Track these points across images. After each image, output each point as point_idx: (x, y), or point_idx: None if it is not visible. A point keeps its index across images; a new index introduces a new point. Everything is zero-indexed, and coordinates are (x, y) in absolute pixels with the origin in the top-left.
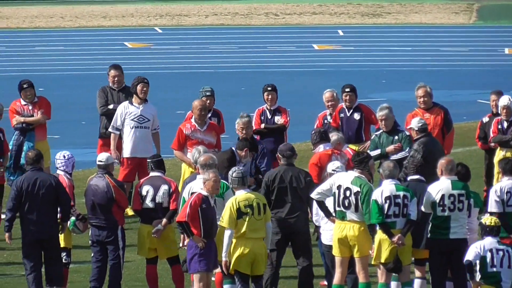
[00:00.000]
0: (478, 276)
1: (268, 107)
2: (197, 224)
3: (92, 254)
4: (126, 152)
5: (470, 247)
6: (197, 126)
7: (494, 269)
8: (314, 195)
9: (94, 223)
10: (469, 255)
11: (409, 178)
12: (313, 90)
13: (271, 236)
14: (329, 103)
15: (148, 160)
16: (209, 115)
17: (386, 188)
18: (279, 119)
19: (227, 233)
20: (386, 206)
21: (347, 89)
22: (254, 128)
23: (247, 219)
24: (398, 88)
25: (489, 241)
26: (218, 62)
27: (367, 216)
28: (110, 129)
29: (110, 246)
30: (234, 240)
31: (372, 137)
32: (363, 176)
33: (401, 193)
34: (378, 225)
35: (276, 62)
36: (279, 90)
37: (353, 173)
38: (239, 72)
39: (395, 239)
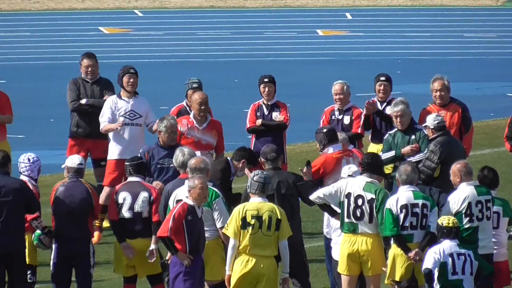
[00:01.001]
0: (436, 286)
1: (265, 102)
2: (182, 239)
3: (53, 272)
4: (114, 153)
5: (427, 253)
6: (195, 122)
7: (456, 277)
8: (314, 197)
9: (65, 235)
10: (428, 262)
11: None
12: (317, 82)
13: (288, 257)
14: (337, 97)
15: (126, 163)
16: None
17: (402, 196)
18: (277, 116)
19: (231, 243)
20: (402, 216)
21: (382, 78)
22: (248, 125)
23: (250, 231)
24: (415, 79)
25: (448, 245)
26: (207, 49)
27: (382, 227)
28: (102, 122)
29: (80, 263)
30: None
31: (385, 137)
32: (376, 181)
33: (420, 202)
34: (392, 238)
35: (274, 50)
36: (278, 82)
37: (364, 178)
38: (232, 62)
39: (411, 254)
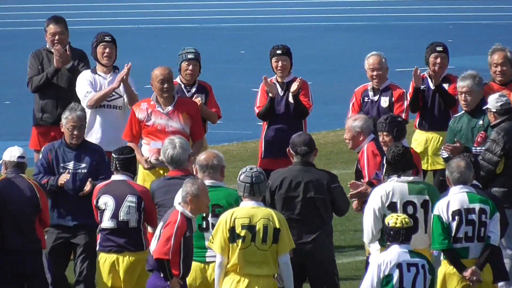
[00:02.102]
0: None
1: (279, 79)
2: (177, 260)
3: None
4: None
5: (370, 262)
6: (157, 106)
7: None
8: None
9: (7, 248)
10: (367, 277)
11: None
12: (345, 54)
13: (291, 275)
14: (374, 73)
15: (113, 155)
16: (193, 89)
17: (454, 199)
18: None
19: (217, 260)
20: (454, 225)
21: (439, 48)
22: (257, 110)
23: (240, 245)
24: (471, 50)
25: (396, 252)
26: (206, 13)
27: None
28: (86, 95)
29: (34, 282)
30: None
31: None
32: (417, 178)
33: (477, 206)
34: (442, 253)
35: (290, 14)
36: (294, 55)
37: (405, 179)
38: (236, 28)
39: (467, 273)
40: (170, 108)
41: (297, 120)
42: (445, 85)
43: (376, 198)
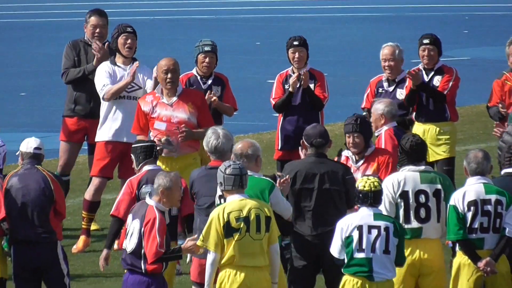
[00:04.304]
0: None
1: (295, 71)
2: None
3: None
4: (105, 134)
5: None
6: (161, 97)
7: (362, 255)
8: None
9: (22, 239)
10: (334, 239)
11: (503, 171)
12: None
13: (278, 265)
14: (386, 64)
15: (135, 146)
16: (209, 81)
17: (470, 190)
18: (311, 87)
19: (210, 257)
20: (469, 215)
21: (426, 40)
22: (273, 101)
23: (237, 237)
24: (487, 41)
25: (360, 215)
26: (223, 4)
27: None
28: (103, 87)
29: (48, 273)
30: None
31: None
32: (429, 167)
33: (493, 197)
34: (458, 244)
35: (306, 5)
36: (311, 46)
37: (416, 168)
38: (252, 19)
39: (481, 264)
40: (174, 99)
41: (313, 112)
42: (438, 77)
43: (388, 188)
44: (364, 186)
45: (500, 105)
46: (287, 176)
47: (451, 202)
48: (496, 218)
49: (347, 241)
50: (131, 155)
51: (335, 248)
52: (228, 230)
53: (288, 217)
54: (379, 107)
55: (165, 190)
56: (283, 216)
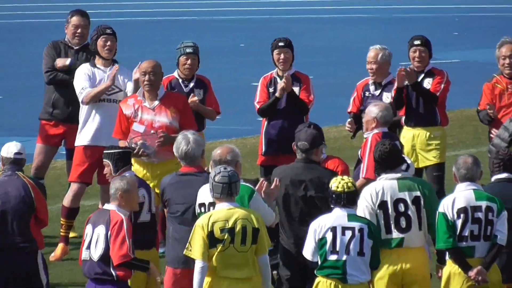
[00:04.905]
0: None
1: (280, 73)
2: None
3: None
4: (84, 139)
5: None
6: (143, 101)
7: (336, 257)
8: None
9: (1, 247)
10: (307, 241)
11: (493, 178)
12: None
13: (269, 276)
14: (368, 66)
15: (109, 152)
16: (191, 84)
17: (460, 196)
18: (296, 91)
19: (198, 265)
20: (459, 222)
21: (417, 42)
22: (257, 106)
23: (220, 248)
24: (477, 43)
25: (333, 216)
26: (204, 5)
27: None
28: (82, 91)
29: (27, 283)
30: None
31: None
32: (407, 173)
33: (484, 204)
34: (447, 252)
35: (292, 5)
36: (297, 47)
37: (393, 176)
38: (236, 21)
39: (472, 273)
40: (156, 103)
41: (299, 116)
42: (428, 80)
43: (366, 199)
44: (338, 187)
45: (488, 107)
46: (276, 180)
47: (440, 209)
48: (487, 226)
49: (321, 242)
50: (105, 160)
51: (308, 250)
52: (211, 240)
53: (271, 224)
54: (374, 110)
55: (124, 193)
56: (265, 223)
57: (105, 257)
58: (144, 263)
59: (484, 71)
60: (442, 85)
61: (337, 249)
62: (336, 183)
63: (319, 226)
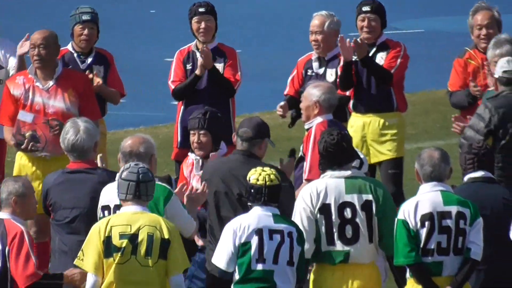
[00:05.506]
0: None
1: (200, 46)
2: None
3: None
4: None
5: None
6: (35, 80)
7: (262, 266)
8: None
9: None
10: (221, 246)
11: (466, 177)
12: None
13: None
14: (313, 37)
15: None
16: (89, 59)
17: (424, 200)
18: (220, 70)
19: (90, 281)
20: (424, 232)
21: (366, 8)
22: (172, 85)
23: (118, 259)
24: (445, 10)
25: (256, 215)
26: None
27: (386, 248)
28: None
29: None
30: None
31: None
32: (358, 171)
33: (454, 209)
34: (408, 269)
35: None
36: (222, 15)
37: (340, 174)
38: None
39: None
40: (51, 83)
41: (223, 99)
42: (381, 54)
43: (304, 200)
44: (257, 180)
45: (471, 85)
46: (204, 185)
47: (400, 215)
48: (457, 236)
49: (243, 248)
50: None
51: (223, 258)
52: (108, 247)
53: (190, 235)
54: (315, 93)
55: (18, 198)
56: (183, 233)
57: (3, 277)
58: (57, 278)
59: (454, 44)
60: (399, 60)
61: (264, 256)
62: (256, 175)
63: (241, 227)
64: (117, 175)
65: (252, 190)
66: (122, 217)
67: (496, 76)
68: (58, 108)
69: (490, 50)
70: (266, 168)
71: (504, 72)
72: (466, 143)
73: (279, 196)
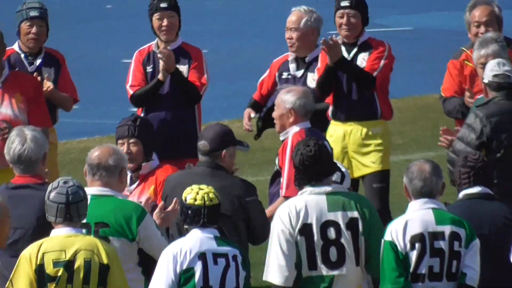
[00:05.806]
0: None
1: (160, 45)
2: None
3: None
4: None
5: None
6: None
7: None
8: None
9: None
10: (159, 274)
11: (461, 193)
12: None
13: None
14: (287, 35)
15: None
16: (38, 61)
17: (414, 219)
18: (184, 72)
19: None
20: (414, 255)
21: (345, 3)
22: (131, 90)
23: None
24: (437, 5)
25: (197, 238)
26: None
27: (376, 269)
28: None
29: None
30: None
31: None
32: (341, 186)
33: (447, 229)
34: None
35: None
36: (185, 11)
37: (320, 190)
38: None
39: None
40: None
41: (187, 105)
42: (363, 55)
43: (282, 221)
44: (195, 199)
45: (467, 94)
46: (174, 202)
47: (387, 236)
48: (451, 260)
49: (185, 276)
50: None
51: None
52: (40, 277)
53: None
54: (288, 98)
55: None
56: (156, 257)
57: None
58: None
59: (447, 43)
60: (382, 62)
61: (210, 283)
62: (193, 195)
63: (181, 252)
64: (46, 195)
65: (190, 212)
66: (55, 241)
67: (486, 81)
68: (5, 115)
69: (475, 51)
70: (203, 186)
71: (495, 76)
72: (456, 158)
73: (219, 216)
